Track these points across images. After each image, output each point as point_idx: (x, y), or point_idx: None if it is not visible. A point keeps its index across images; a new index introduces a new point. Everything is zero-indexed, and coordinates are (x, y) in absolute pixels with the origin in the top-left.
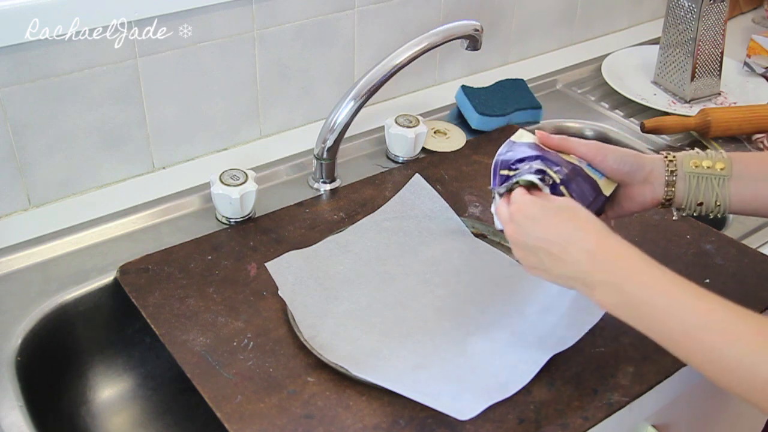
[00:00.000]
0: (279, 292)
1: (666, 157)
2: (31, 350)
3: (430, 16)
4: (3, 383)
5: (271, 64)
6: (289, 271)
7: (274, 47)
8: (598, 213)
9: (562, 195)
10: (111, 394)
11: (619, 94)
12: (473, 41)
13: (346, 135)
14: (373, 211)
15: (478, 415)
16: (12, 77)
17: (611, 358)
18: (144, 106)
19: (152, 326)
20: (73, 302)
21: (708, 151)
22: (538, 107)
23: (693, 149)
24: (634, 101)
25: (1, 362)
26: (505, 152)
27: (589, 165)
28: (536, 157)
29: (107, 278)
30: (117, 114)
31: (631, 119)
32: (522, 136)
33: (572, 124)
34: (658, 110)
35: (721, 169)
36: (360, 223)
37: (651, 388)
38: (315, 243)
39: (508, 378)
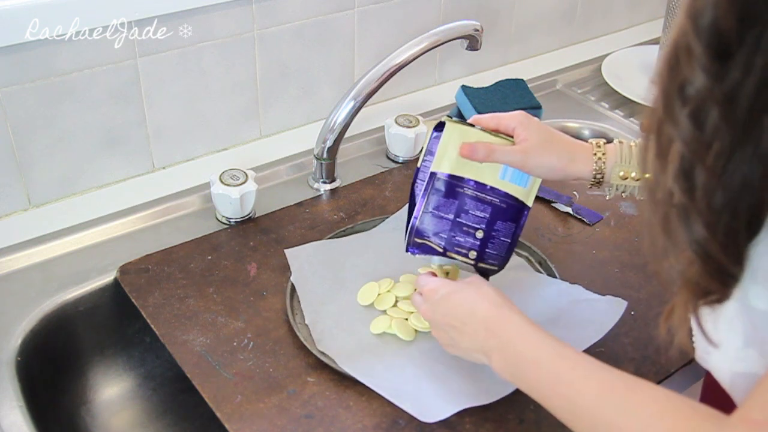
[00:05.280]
0: (291, 278)
1: (596, 166)
2: (31, 350)
3: (430, 16)
4: (3, 383)
5: (271, 64)
6: (305, 259)
7: (274, 47)
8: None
9: (482, 267)
10: (111, 394)
11: (619, 94)
12: (473, 41)
13: (346, 135)
14: (373, 211)
15: (479, 416)
16: (12, 77)
17: (611, 359)
18: (144, 106)
19: (152, 326)
20: (73, 302)
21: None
22: (538, 107)
23: (630, 143)
24: (634, 101)
25: (1, 362)
26: (423, 211)
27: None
28: (451, 227)
29: (107, 278)
30: (117, 114)
31: (631, 119)
32: (446, 151)
33: (572, 124)
34: None
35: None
36: (387, 221)
37: None
38: (315, 243)
39: (490, 385)
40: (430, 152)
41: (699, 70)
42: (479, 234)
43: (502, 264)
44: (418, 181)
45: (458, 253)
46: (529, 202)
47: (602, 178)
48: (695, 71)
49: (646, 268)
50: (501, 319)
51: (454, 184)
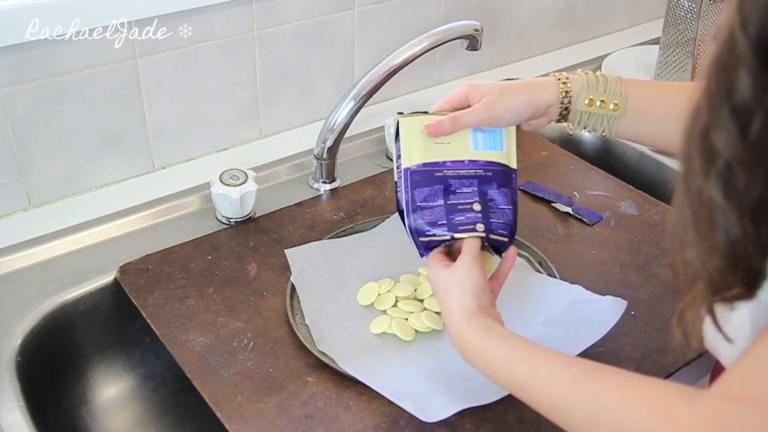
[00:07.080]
0: (291, 278)
1: (562, 90)
2: (31, 350)
3: (430, 16)
4: (3, 383)
5: (271, 64)
6: (305, 259)
7: (274, 47)
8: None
9: (494, 239)
10: (111, 394)
11: None
12: (473, 41)
13: (346, 135)
14: (373, 211)
15: (479, 416)
16: (12, 77)
17: (611, 358)
18: (144, 106)
19: (152, 326)
20: (73, 302)
21: (609, 78)
22: None
23: (596, 73)
24: None
25: (1, 362)
26: (412, 210)
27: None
28: (446, 211)
29: (107, 278)
30: (117, 114)
31: None
32: (411, 144)
33: None
34: None
35: (614, 108)
36: (387, 221)
37: None
38: (315, 243)
39: (490, 385)
40: (398, 156)
41: (747, 79)
42: (476, 207)
43: (511, 233)
44: (397, 189)
45: (465, 231)
46: (513, 164)
47: (569, 104)
48: (743, 80)
49: (646, 268)
50: (469, 320)
51: (430, 171)
